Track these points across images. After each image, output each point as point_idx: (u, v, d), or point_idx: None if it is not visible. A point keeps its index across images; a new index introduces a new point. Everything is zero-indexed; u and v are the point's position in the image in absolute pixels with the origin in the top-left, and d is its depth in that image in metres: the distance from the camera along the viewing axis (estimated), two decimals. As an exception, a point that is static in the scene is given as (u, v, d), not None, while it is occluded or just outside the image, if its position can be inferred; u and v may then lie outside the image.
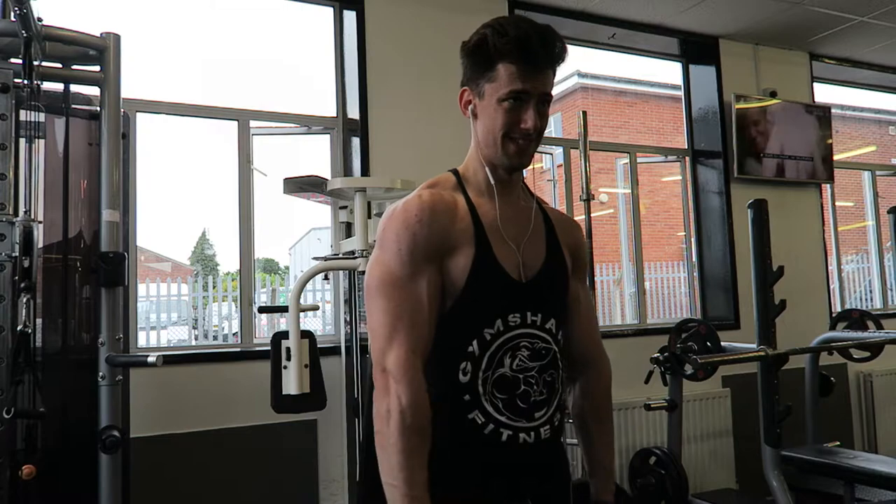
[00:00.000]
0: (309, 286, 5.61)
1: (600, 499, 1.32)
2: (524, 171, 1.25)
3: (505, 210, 1.19)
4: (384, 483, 1.07)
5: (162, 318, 9.54)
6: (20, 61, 1.91)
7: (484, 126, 1.16)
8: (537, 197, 1.31)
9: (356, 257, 2.47)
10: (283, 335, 2.42)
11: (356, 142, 3.07)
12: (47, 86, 2.08)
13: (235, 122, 3.03)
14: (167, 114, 2.93)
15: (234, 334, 8.81)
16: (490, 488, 1.14)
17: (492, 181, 1.19)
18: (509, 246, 1.18)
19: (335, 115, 3.22)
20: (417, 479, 1.05)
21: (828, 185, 4.51)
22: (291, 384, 2.38)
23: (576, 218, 1.53)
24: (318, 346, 2.50)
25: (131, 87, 2.59)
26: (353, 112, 3.11)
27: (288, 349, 2.39)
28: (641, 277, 3.92)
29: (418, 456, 1.06)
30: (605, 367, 1.36)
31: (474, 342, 1.14)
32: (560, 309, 1.24)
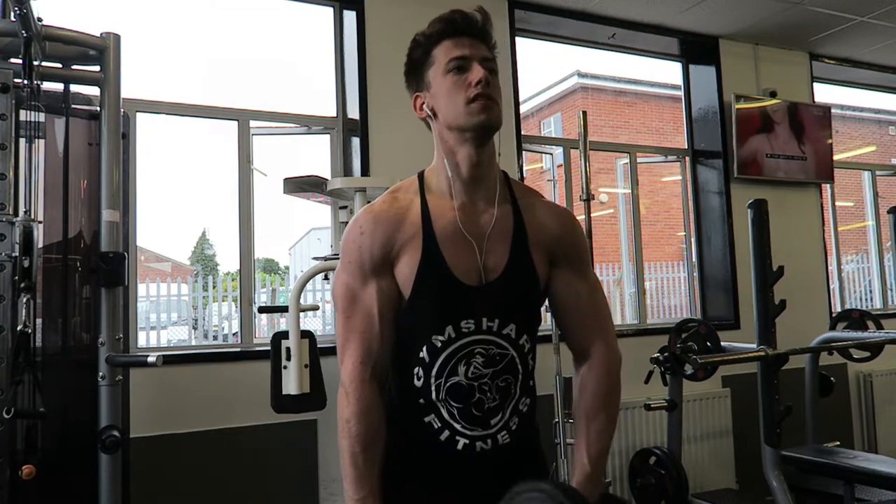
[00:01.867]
0: (309, 286, 5.61)
1: (575, 489, 1.17)
2: (515, 171, 1.24)
3: (468, 209, 1.17)
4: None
5: (162, 318, 9.54)
6: (20, 61, 1.91)
7: (443, 104, 1.16)
8: (521, 187, 1.26)
9: (356, 257, 2.46)
10: (283, 335, 2.42)
11: (356, 142, 3.07)
12: (47, 86, 2.08)
13: (235, 122, 3.03)
14: (167, 114, 2.93)
15: (234, 334, 8.81)
16: (446, 496, 1.15)
17: (454, 175, 1.17)
18: (467, 249, 1.14)
19: (335, 115, 3.22)
20: (362, 483, 1.11)
21: (828, 185, 4.51)
22: (291, 384, 2.38)
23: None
24: (318, 346, 2.50)
25: (131, 87, 2.59)
26: (353, 112, 3.11)
27: (288, 349, 2.39)
28: (641, 277, 3.92)
29: (364, 461, 1.11)
30: (604, 362, 1.24)
31: (424, 348, 1.14)
32: (523, 312, 1.19)
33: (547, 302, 1.27)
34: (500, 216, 1.18)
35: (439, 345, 1.13)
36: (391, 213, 1.16)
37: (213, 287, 9.60)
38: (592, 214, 2.93)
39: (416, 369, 1.15)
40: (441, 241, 1.14)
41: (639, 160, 4.05)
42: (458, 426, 1.14)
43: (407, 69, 1.23)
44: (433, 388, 1.14)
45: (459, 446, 1.14)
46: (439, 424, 1.14)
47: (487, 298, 1.14)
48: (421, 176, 1.24)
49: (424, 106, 1.20)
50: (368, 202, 2.54)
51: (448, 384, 1.14)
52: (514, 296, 1.17)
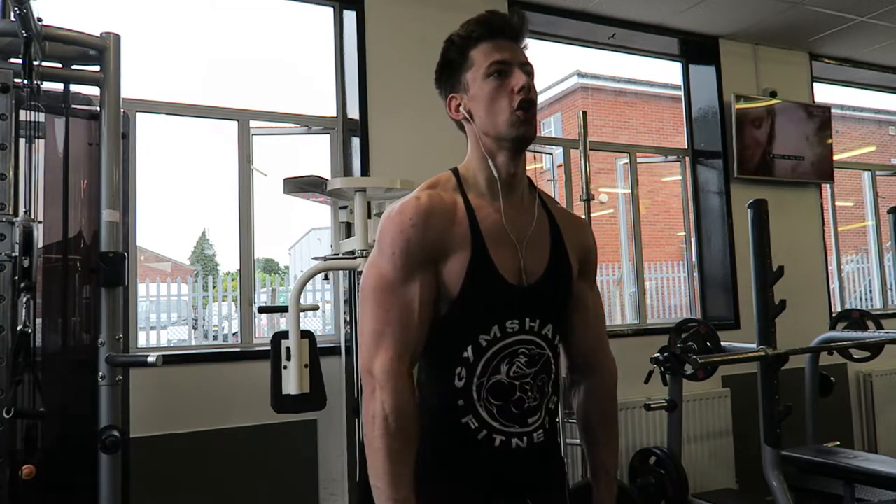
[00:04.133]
0: (309, 286, 5.61)
1: (604, 502, 1.31)
2: (525, 171, 1.23)
3: (507, 211, 1.17)
4: (371, 484, 1.08)
5: (162, 318, 9.54)
6: (20, 61, 1.91)
7: (482, 108, 1.15)
8: (545, 195, 1.28)
9: (356, 257, 2.47)
10: (283, 335, 2.42)
11: (356, 142, 3.07)
12: (47, 86, 2.08)
13: (235, 122, 3.03)
14: (167, 114, 2.93)
15: (234, 334, 8.81)
16: (483, 491, 1.14)
17: (496, 176, 1.16)
18: (510, 249, 1.15)
19: (335, 115, 3.22)
20: (401, 482, 1.06)
21: (828, 185, 4.51)
22: (291, 384, 2.38)
23: (576, 218, 1.50)
24: (318, 346, 2.50)
25: (131, 87, 2.59)
26: (353, 112, 3.11)
27: (288, 349, 2.39)
28: (641, 277, 3.92)
29: (402, 459, 1.07)
30: (611, 371, 1.34)
31: (469, 348, 1.13)
32: (559, 313, 1.22)
33: None
34: (539, 219, 1.21)
35: (485, 344, 1.13)
36: (442, 208, 1.13)
37: (213, 287, 9.61)
38: (592, 214, 2.93)
39: (458, 369, 1.13)
40: (488, 239, 1.13)
41: (639, 160, 4.05)
42: (496, 424, 1.14)
43: (440, 69, 1.22)
44: (475, 387, 1.13)
45: (497, 443, 1.14)
46: (476, 425, 1.13)
47: (531, 299, 1.16)
48: (456, 172, 1.21)
49: (461, 108, 1.18)
50: (368, 202, 2.55)
51: (490, 382, 1.14)
52: (554, 297, 1.20)
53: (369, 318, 1.11)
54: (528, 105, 1.12)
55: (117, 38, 2.16)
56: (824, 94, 4.68)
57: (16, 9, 1.77)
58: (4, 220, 1.88)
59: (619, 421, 3.32)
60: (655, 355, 2.94)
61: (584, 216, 2.89)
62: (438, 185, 1.18)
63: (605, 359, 1.33)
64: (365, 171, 3.01)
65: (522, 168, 1.20)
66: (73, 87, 2.17)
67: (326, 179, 2.56)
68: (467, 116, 1.17)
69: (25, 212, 1.88)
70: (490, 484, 1.15)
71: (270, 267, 21.49)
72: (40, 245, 1.96)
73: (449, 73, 1.20)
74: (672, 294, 10.53)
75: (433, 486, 1.13)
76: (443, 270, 1.12)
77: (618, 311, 9.93)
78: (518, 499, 1.16)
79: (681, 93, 4.27)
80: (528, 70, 1.15)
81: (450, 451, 1.14)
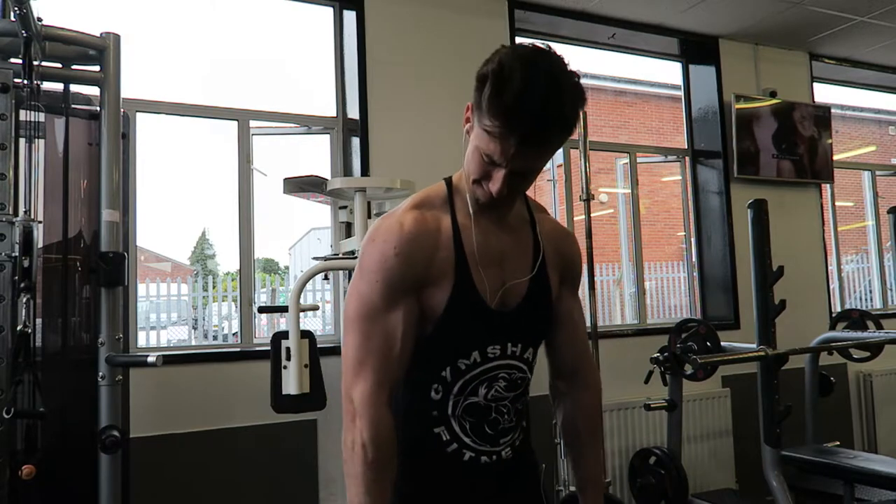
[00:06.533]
0: (309, 286, 5.61)
1: None
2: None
3: (490, 231, 1.14)
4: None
5: (162, 318, 9.55)
6: (20, 61, 1.91)
7: (468, 156, 1.08)
8: (535, 206, 1.26)
9: (356, 257, 2.46)
10: (283, 335, 2.42)
11: (356, 142, 3.07)
12: (47, 86, 2.08)
13: (235, 122, 3.03)
14: (167, 114, 2.93)
15: (234, 334, 8.81)
16: (452, 498, 1.16)
17: (469, 207, 1.12)
18: (494, 271, 1.13)
19: (335, 115, 3.22)
20: None
21: (828, 185, 4.51)
22: (291, 384, 2.38)
23: (576, 218, 1.52)
24: (318, 346, 2.50)
25: (131, 87, 2.59)
26: (353, 112, 3.11)
27: (288, 349, 2.39)
28: (641, 277, 3.92)
29: (378, 489, 1.07)
30: (596, 381, 1.35)
31: (447, 369, 1.13)
32: (540, 335, 1.23)
33: None
34: (523, 236, 1.19)
35: (463, 367, 1.13)
36: (426, 234, 1.10)
37: (213, 287, 9.62)
38: (592, 214, 2.93)
39: (434, 385, 1.14)
40: (471, 264, 1.11)
41: (639, 160, 4.05)
42: (467, 440, 1.14)
43: (477, 79, 1.02)
44: (450, 403, 1.14)
45: (465, 458, 1.14)
46: (448, 437, 1.14)
47: (512, 324, 1.15)
48: (449, 184, 1.16)
49: (466, 126, 1.08)
50: (368, 202, 2.55)
51: (466, 402, 1.14)
52: (536, 321, 1.20)
53: (351, 346, 1.10)
54: (498, 199, 1.07)
55: (117, 38, 2.16)
56: (824, 94, 4.68)
57: (16, 9, 1.77)
58: (4, 220, 1.88)
59: (619, 421, 3.37)
60: (655, 355, 2.94)
61: (584, 216, 2.90)
62: (426, 203, 1.14)
63: (590, 369, 1.34)
64: (365, 171, 3.01)
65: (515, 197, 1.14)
66: (73, 87, 2.17)
67: (326, 179, 2.56)
68: (467, 132, 1.09)
69: (25, 212, 1.88)
70: (459, 491, 1.16)
71: (270, 267, 21.51)
72: (40, 245, 1.96)
73: (476, 89, 1.02)
74: (672, 294, 10.53)
75: (404, 491, 1.14)
76: (426, 295, 1.11)
77: (618, 311, 9.92)
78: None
79: (681, 93, 4.27)
80: (519, 177, 1.05)
81: (419, 456, 1.16)
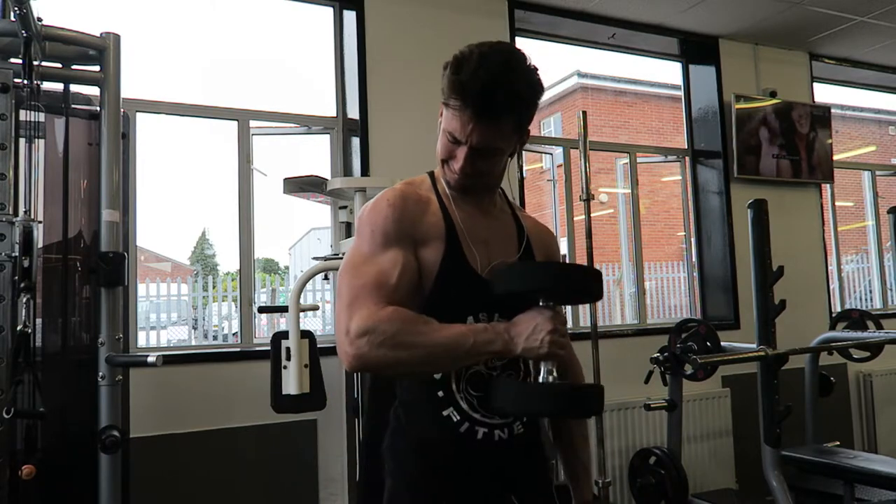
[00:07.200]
0: (309, 286, 5.61)
1: (586, 499, 1.36)
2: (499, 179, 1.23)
3: (473, 214, 1.20)
4: (441, 362, 1.08)
5: (162, 318, 9.55)
6: (20, 61, 1.91)
7: (438, 142, 1.18)
8: (516, 206, 1.33)
9: (356, 257, 2.46)
10: (283, 335, 2.42)
11: (356, 142, 3.07)
12: (47, 86, 2.08)
13: (235, 122, 3.03)
14: (167, 114, 2.93)
15: (234, 334, 8.81)
16: (466, 487, 1.15)
17: (447, 190, 1.20)
18: (480, 246, 1.18)
19: (335, 115, 3.22)
20: (450, 327, 1.05)
21: (828, 185, 4.51)
22: (291, 384, 2.38)
23: (576, 218, 1.54)
24: (318, 346, 2.50)
25: (131, 87, 2.59)
26: (353, 112, 3.11)
27: (288, 349, 2.39)
28: (641, 277, 3.92)
29: (423, 321, 1.05)
30: (579, 369, 1.40)
31: None
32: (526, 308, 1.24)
33: None
34: (506, 223, 1.26)
35: None
36: (416, 198, 1.17)
37: (213, 287, 9.61)
38: (592, 214, 2.92)
39: None
40: (461, 236, 1.16)
41: (639, 160, 4.05)
42: (476, 416, 1.15)
43: (443, 70, 1.14)
44: (454, 377, 1.15)
45: (479, 436, 1.15)
46: (458, 417, 1.15)
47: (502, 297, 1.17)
48: (432, 175, 1.25)
49: (439, 120, 1.18)
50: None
51: (469, 372, 1.15)
52: (524, 299, 1.20)
53: (345, 291, 1.09)
54: (462, 177, 1.15)
55: (117, 38, 2.16)
56: (824, 94, 4.68)
57: (16, 9, 1.77)
58: (4, 220, 1.88)
59: (619, 421, 3.37)
60: (655, 355, 2.94)
61: (583, 216, 2.90)
62: (413, 183, 1.23)
63: (573, 357, 1.38)
64: (365, 171, 3.01)
65: (484, 181, 1.21)
66: (73, 87, 2.17)
67: (326, 179, 2.56)
68: (440, 128, 1.18)
69: (25, 212, 1.88)
70: (473, 480, 1.16)
71: (270, 267, 21.51)
72: (40, 245, 1.96)
73: (442, 76, 1.13)
74: (672, 294, 10.53)
75: (415, 481, 1.14)
76: (420, 257, 1.14)
77: (618, 311, 9.92)
78: (502, 498, 1.18)
79: (681, 93, 4.27)
80: (479, 155, 1.12)
81: (431, 444, 1.16)
